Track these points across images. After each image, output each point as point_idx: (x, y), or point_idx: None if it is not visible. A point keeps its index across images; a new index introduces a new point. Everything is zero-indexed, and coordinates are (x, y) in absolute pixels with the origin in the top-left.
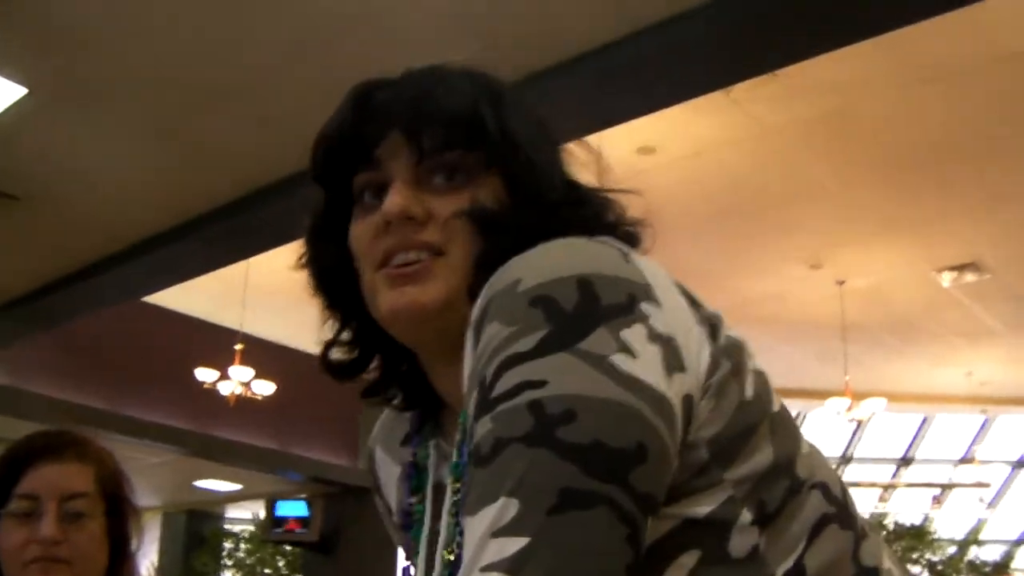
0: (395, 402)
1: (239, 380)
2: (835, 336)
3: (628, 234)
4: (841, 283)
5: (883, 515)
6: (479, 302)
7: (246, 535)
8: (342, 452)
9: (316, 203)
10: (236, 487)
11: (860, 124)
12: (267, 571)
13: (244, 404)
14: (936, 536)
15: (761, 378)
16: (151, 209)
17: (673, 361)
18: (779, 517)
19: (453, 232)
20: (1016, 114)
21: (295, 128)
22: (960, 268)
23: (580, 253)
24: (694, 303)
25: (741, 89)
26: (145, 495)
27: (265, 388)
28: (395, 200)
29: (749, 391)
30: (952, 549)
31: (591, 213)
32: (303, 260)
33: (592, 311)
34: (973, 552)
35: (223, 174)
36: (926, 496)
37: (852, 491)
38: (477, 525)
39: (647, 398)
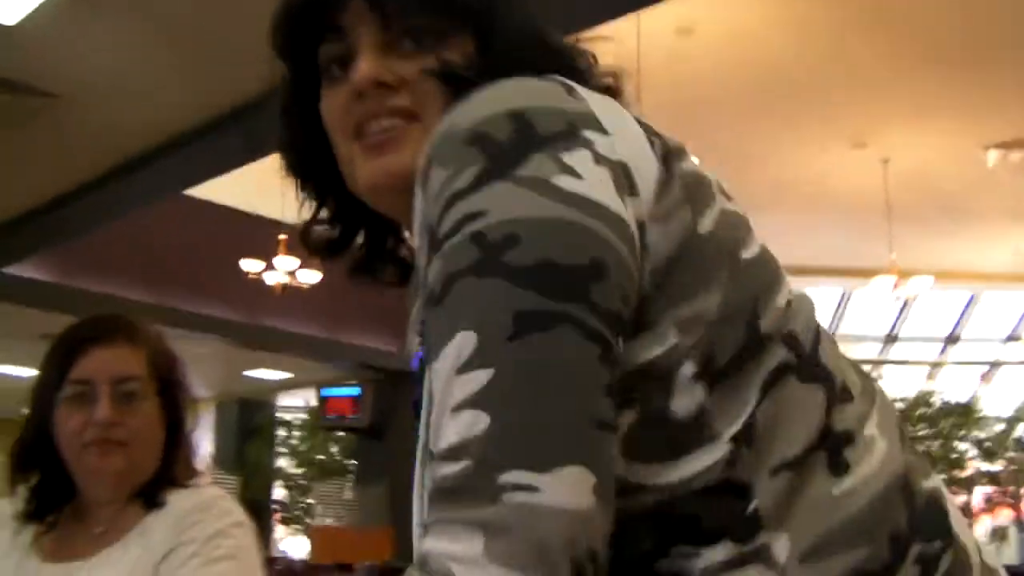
0: (387, 278)
1: (285, 270)
2: (880, 216)
3: (605, 87)
4: (885, 162)
5: (930, 393)
6: (423, 155)
7: (298, 423)
8: (390, 338)
9: (282, 80)
10: (286, 375)
11: (906, 4)
12: (320, 457)
13: (291, 293)
14: (983, 414)
15: (730, 219)
16: (190, 103)
17: (625, 184)
18: (730, 374)
19: (426, 95)
20: None
21: None
22: (1007, 146)
23: (516, 90)
24: (654, 135)
25: None
26: (196, 386)
27: (311, 277)
28: (363, 68)
29: (706, 225)
30: (999, 426)
31: (564, 64)
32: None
33: (527, 139)
34: (1020, 429)
35: (261, 66)
36: (973, 374)
37: (898, 369)
38: (440, 367)
39: (598, 215)
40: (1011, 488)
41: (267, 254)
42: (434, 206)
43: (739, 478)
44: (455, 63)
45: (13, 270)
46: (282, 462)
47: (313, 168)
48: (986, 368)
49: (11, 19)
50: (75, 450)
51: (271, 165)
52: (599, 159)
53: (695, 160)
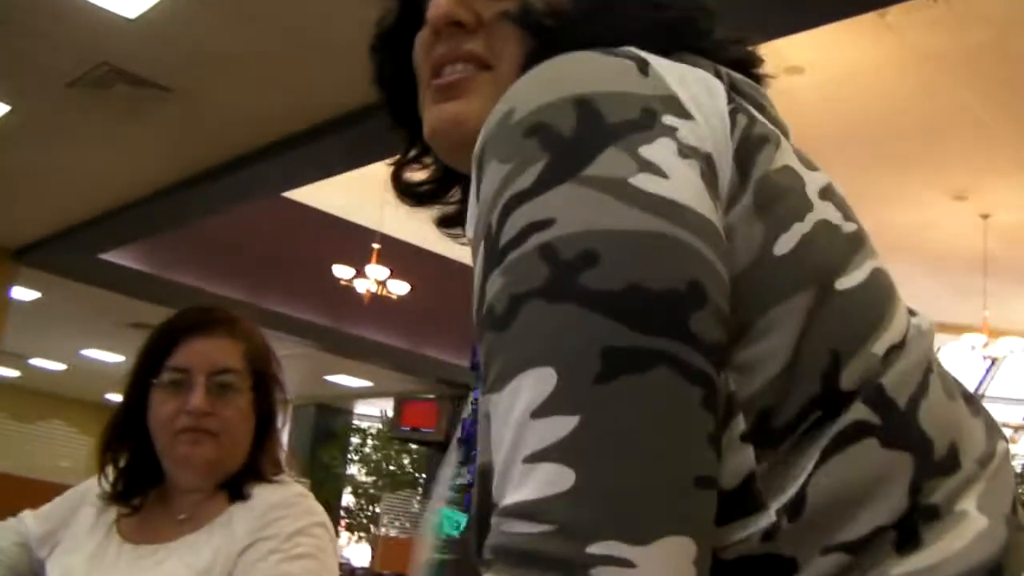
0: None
1: (375, 278)
2: (976, 271)
3: (718, 43)
4: (986, 217)
5: (1013, 456)
6: (478, 139)
7: (373, 431)
8: (470, 354)
9: (385, 10)
10: (366, 384)
11: (1017, 58)
12: (392, 467)
13: (378, 303)
14: None
15: (830, 235)
16: (296, 106)
17: (712, 181)
18: (789, 436)
19: (503, 42)
20: None
21: None
22: None
23: (580, 69)
24: (743, 108)
25: (897, 12)
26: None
27: (400, 288)
28: (438, 3)
29: (786, 244)
30: None
31: (670, 16)
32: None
33: (596, 131)
34: None
35: (368, 75)
36: None
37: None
38: (507, 405)
39: (690, 224)
40: None
41: (359, 261)
42: (493, 207)
43: (782, 552)
44: (537, 9)
45: (109, 256)
46: (353, 469)
47: (406, 109)
48: None
49: (133, 12)
50: (166, 437)
51: (371, 174)
52: (684, 150)
53: (792, 152)
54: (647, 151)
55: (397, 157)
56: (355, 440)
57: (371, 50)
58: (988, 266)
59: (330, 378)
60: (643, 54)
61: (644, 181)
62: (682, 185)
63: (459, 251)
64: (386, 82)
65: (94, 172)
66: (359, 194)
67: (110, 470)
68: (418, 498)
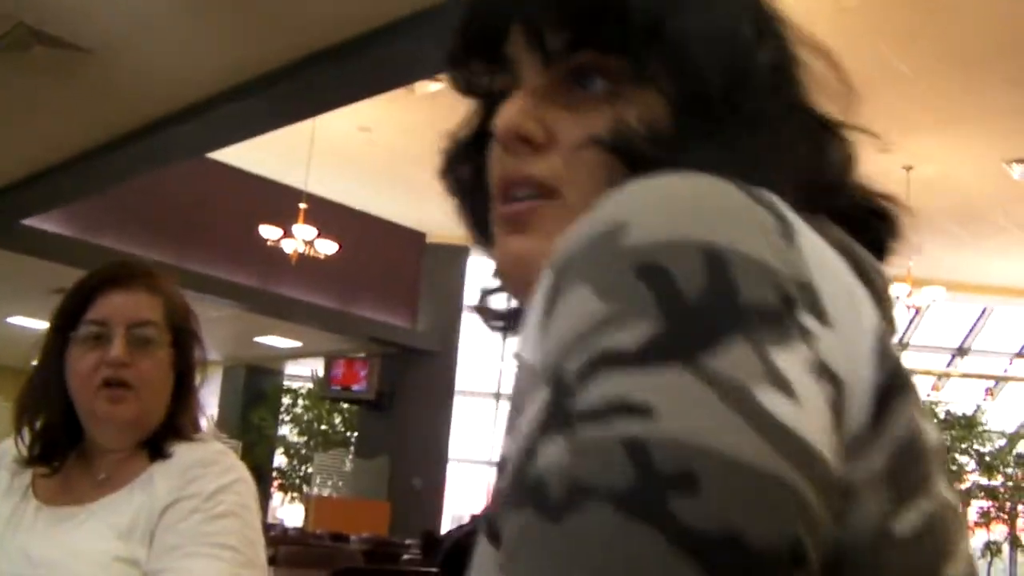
0: None
1: (302, 238)
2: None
3: (870, 211)
4: (908, 169)
5: (935, 403)
6: (563, 240)
7: (304, 392)
8: (401, 313)
9: (464, 118)
10: (296, 344)
11: (939, 12)
12: (323, 427)
13: (306, 263)
14: (986, 427)
15: (946, 515)
16: (219, 66)
17: (840, 416)
18: None
19: (577, 165)
20: None
21: None
22: None
23: (717, 206)
24: (879, 300)
25: None
26: (207, 348)
27: (328, 247)
28: (504, 114)
29: (909, 522)
30: (1001, 441)
31: (800, 164)
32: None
33: (726, 307)
34: (1021, 445)
35: (292, 32)
36: (979, 387)
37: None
38: None
39: (812, 470)
40: (1008, 504)
41: (286, 222)
42: (572, 350)
43: None
44: (626, 130)
45: (32, 222)
46: (284, 430)
47: (479, 219)
48: (992, 383)
49: None
50: (86, 392)
51: (296, 133)
52: (818, 369)
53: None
54: (778, 357)
55: (487, 286)
56: (286, 400)
57: (444, 159)
58: (911, 218)
59: (259, 339)
60: (783, 208)
61: (770, 398)
62: (811, 416)
63: (385, 209)
64: (462, 195)
65: (13, 136)
66: (284, 154)
67: (26, 432)
68: (350, 457)
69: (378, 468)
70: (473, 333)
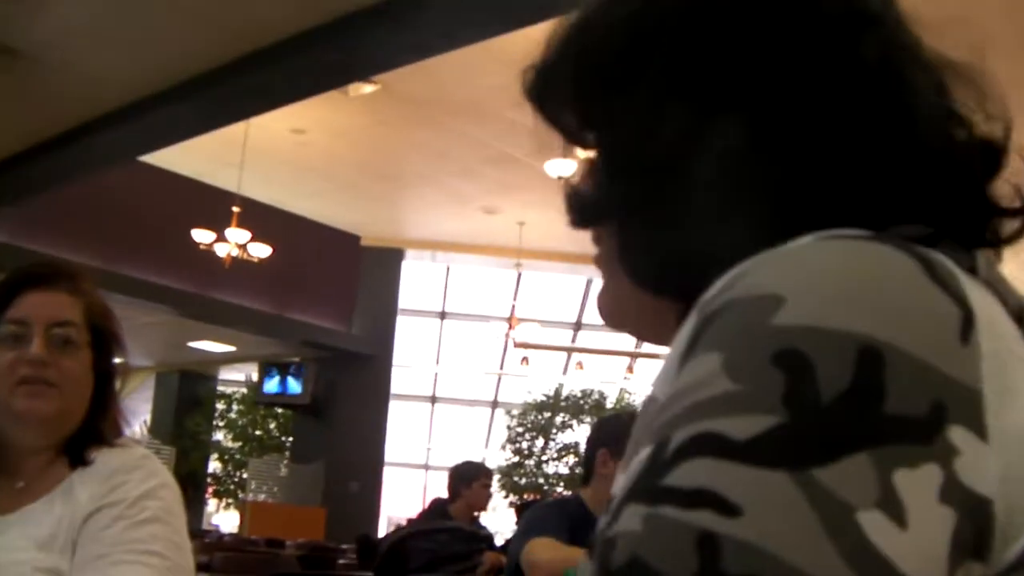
0: None
1: (236, 242)
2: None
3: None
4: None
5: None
6: (707, 300)
7: (238, 397)
8: (336, 317)
9: None
10: (230, 349)
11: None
12: (258, 432)
13: (240, 267)
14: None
15: None
16: (152, 68)
17: (969, 542)
18: None
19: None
20: None
21: None
22: None
23: (894, 291)
24: None
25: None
26: (139, 355)
27: (261, 251)
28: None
29: None
30: None
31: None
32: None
33: (860, 416)
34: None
35: (226, 34)
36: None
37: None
38: None
39: None
40: None
41: (219, 225)
42: (681, 421)
43: None
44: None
45: None
46: (219, 436)
47: None
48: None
49: None
50: (4, 390)
51: (230, 135)
52: (949, 492)
53: None
54: (902, 478)
55: None
56: (220, 406)
57: None
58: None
59: (193, 344)
60: (972, 293)
61: (872, 523)
62: (916, 547)
63: (320, 212)
64: None
65: None
66: (218, 157)
67: None
68: (285, 462)
69: (314, 473)
70: (408, 336)
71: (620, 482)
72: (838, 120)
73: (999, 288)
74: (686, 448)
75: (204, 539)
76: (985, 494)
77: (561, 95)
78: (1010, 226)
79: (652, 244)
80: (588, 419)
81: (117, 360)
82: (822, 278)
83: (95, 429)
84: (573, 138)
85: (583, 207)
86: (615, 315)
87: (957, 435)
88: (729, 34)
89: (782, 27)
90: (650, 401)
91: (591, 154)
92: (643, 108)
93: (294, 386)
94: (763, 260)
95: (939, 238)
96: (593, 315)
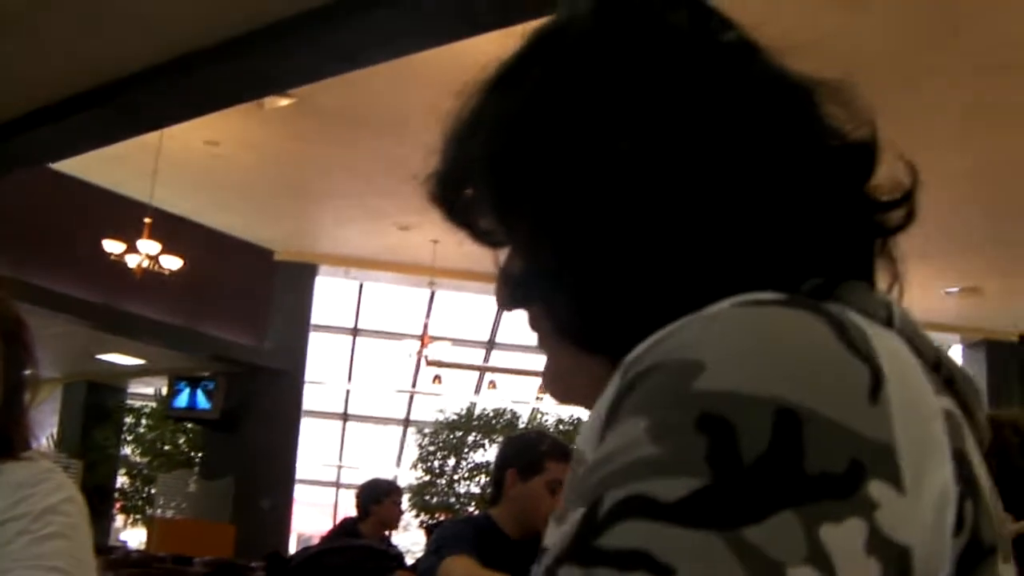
0: None
1: (147, 253)
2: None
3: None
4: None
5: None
6: (631, 362)
7: (147, 411)
8: (248, 331)
9: None
10: (139, 362)
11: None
12: (167, 447)
13: (151, 279)
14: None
15: None
16: (63, 71)
17: None
18: None
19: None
20: None
21: None
22: None
23: (807, 356)
24: (969, 414)
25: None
26: (46, 365)
27: (172, 263)
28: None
29: None
30: None
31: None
32: None
33: (783, 477)
34: None
35: (143, 39)
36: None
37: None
38: None
39: None
40: None
41: (130, 236)
42: (609, 481)
43: None
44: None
45: None
46: (127, 450)
47: None
48: None
49: None
50: None
51: (143, 145)
52: (873, 543)
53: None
54: (827, 533)
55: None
56: (129, 420)
57: None
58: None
59: (102, 356)
60: (880, 348)
61: None
62: None
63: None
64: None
65: None
66: (130, 166)
67: None
68: (194, 478)
69: (223, 489)
70: (320, 352)
71: (552, 537)
72: (741, 147)
73: (915, 340)
74: (617, 511)
75: (110, 555)
76: (905, 543)
77: (465, 203)
78: (896, 216)
79: (580, 306)
80: (500, 439)
81: (27, 372)
82: (739, 345)
83: (2, 442)
84: (484, 240)
85: (513, 291)
86: (561, 390)
87: (876, 489)
88: (617, 112)
89: (664, 95)
90: (577, 461)
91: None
92: (548, 196)
93: (204, 401)
94: (683, 326)
95: (848, 281)
96: (506, 335)
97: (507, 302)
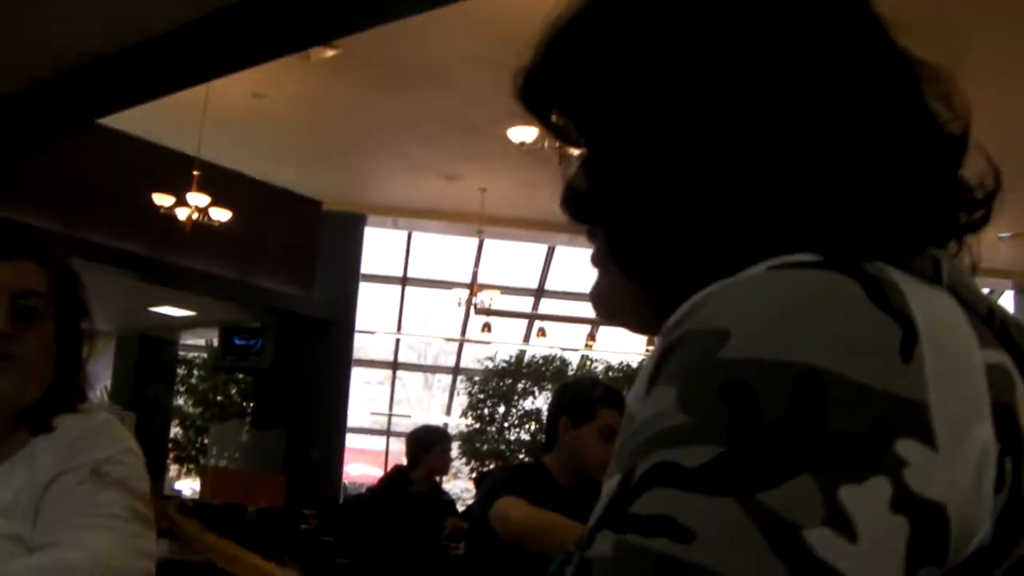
0: None
1: (196, 205)
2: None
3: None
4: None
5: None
6: (671, 327)
7: (199, 361)
8: (297, 282)
9: None
10: (190, 314)
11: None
12: (219, 398)
13: (201, 232)
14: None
15: None
16: (110, 28)
17: (925, 548)
18: None
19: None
20: None
21: None
22: None
23: (832, 319)
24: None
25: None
26: (99, 320)
27: (222, 215)
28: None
29: None
30: None
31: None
32: None
33: (802, 441)
34: None
35: None
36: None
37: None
38: None
39: None
40: None
41: (179, 189)
42: (643, 451)
43: None
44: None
45: None
46: (180, 401)
47: None
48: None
49: None
50: None
51: (189, 99)
52: (900, 501)
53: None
54: (847, 493)
55: None
56: (181, 371)
57: None
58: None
59: (153, 309)
60: (917, 305)
61: (820, 539)
62: (869, 558)
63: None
64: None
65: None
66: (177, 120)
67: None
68: (246, 428)
69: (275, 439)
70: (369, 302)
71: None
72: (836, 118)
73: (963, 294)
74: (647, 479)
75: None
76: (937, 500)
77: (551, 101)
78: (975, 215)
79: (641, 243)
80: (550, 386)
81: (83, 326)
82: (766, 311)
83: (59, 397)
84: (566, 139)
85: (578, 206)
86: (607, 308)
87: (905, 447)
88: (716, 41)
89: (773, 30)
90: (629, 419)
91: (583, 153)
92: (630, 115)
93: (255, 351)
94: (716, 293)
95: (902, 244)
96: (555, 282)
97: (572, 217)
